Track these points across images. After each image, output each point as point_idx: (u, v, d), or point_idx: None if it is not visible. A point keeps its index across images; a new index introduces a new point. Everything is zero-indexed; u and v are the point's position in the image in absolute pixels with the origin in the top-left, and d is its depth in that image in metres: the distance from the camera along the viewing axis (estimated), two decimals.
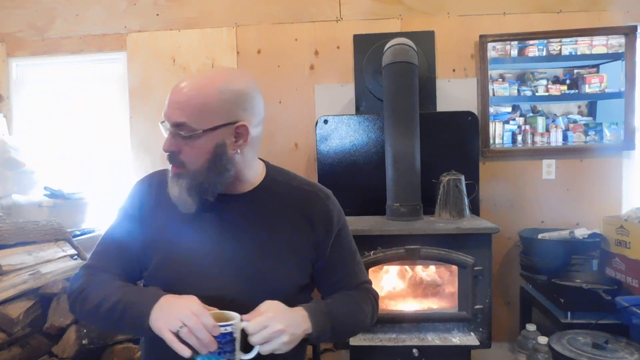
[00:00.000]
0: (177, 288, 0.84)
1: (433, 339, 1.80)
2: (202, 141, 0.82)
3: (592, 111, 2.32)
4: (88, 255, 0.98)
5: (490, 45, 2.30)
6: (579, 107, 2.33)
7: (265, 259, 0.88)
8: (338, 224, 0.96)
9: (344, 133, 2.28)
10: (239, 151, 0.86)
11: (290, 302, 0.86)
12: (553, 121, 2.32)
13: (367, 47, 2.36)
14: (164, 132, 0.85)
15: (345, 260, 0.97)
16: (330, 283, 0.97)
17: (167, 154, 0.85)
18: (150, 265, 0.90)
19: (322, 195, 0.96)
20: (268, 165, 0.98)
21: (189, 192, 0.84)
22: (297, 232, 0.91)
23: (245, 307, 0.82)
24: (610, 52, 2.27)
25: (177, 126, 0.82)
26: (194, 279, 0.86)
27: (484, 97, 2.32)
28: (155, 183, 0.95)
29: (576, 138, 2.31)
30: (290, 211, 0.92)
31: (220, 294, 0.84)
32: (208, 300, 0.82)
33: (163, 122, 0.84)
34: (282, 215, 0.92)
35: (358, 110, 2.37)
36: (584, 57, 2.29)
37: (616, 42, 2.26)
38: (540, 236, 2.11)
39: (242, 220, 0.90)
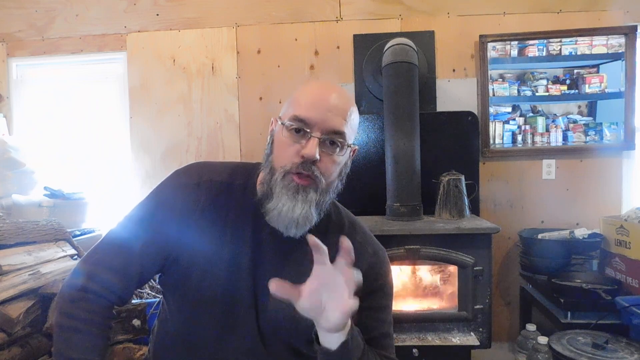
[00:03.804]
0: (196, 312, 0.81)
1: (433, 339, 1.80)
2: (342, 155, 0.79)
3: (592, 111, 2.32)
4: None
5: (490, 45, 2.30)
6: (579, 107, 2.33)
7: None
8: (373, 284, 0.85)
9: None
10: (348, 172, 0.84)
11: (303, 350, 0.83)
12: (553, 121, 2.32)
13: (367, 47, 2.36)
14: (279, 136, 0.78)
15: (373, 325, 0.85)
16: None
17: (299, 162, 0.75)
18: (175, 272, 0.82)
19: (370, 251, 0.88)
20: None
21: (316, 208, 0.77)
22: None
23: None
24: (610, 52, 2.27)
25: (335, 134, 0.77)
26: (218, 311, 0.80)
27: (484, 97, 2.32)
28: (204, 182, 0.84)
29: (576, 138, 2.31)
30: (333, 260, 0.85)
31: (239, 333, 0.81)
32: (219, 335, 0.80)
33: (290, 123, 0.76)
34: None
35: (358, 110, 2.37)
36: (584, 57, 2.29)
37: (616, 42, 2.26)
38: (540, 236, 2.11)
39: (284, 257, 0.83)
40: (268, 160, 0.81)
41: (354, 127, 0.82)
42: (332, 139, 0.77)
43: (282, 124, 0.79)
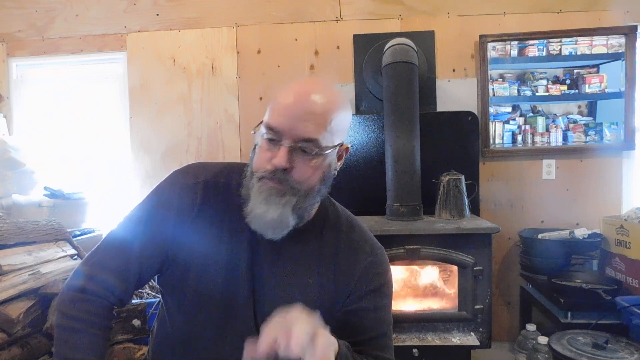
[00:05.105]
0: (194, 312, 0.81)
1: (433, 339, 1.80)
2: (321, 160, 0.76)
3: (592, 111, 2.32)
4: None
5: (490, 45, 2.30)
6: (579, 107, 2.33)
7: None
8: (369, 285, 0.84)
9: None
10: (335, 174, 0.82)
11: None
12: (553, 121, 2.32)
13: (367, 47, 2.36)
14: (259, 141, 0.76)
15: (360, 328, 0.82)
16: None
17: (272, 169, 0.74)
18: (173, 273, 0.82)
19: (367, 250, 0.87)
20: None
21: (293, 212, 0.75)
22: (330, 285, 0.84)
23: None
24: (610, 52, 2.27)
25: (306, 141, 0.73)
26: (216, 311, 0.81)
27: (484, 97, 2.32)
28: (201, 183, 0.84)
29: (576, 138, 2.31)
30: (330, 258, 0.85)
31: (237, 332, 0.81)
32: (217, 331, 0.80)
33: (264, 131, 0.75)
34: (322, 261, 0.84)
35: (358, 110, 2.37)
36: (584, 57, 2.29)
37: (616, 42, 2.26)
38: (540, 236, 2.11)
39: (280, 259, 0.83)
40: (250, 164, 0.81)
41: (339, 128, 0.77)
42: (303, 147, 0.74)
43: (260, 131, 0.78)
